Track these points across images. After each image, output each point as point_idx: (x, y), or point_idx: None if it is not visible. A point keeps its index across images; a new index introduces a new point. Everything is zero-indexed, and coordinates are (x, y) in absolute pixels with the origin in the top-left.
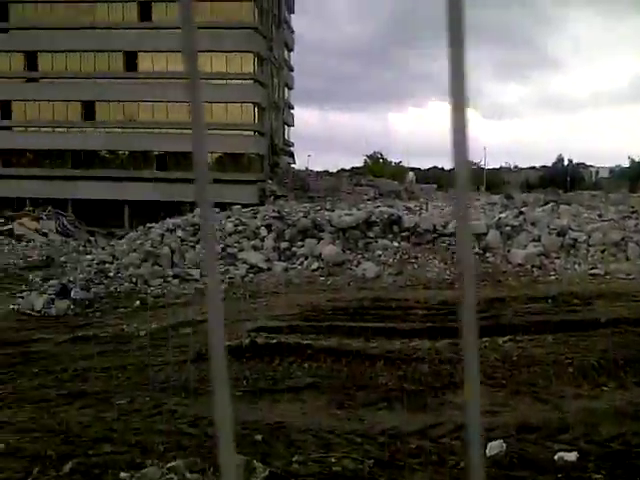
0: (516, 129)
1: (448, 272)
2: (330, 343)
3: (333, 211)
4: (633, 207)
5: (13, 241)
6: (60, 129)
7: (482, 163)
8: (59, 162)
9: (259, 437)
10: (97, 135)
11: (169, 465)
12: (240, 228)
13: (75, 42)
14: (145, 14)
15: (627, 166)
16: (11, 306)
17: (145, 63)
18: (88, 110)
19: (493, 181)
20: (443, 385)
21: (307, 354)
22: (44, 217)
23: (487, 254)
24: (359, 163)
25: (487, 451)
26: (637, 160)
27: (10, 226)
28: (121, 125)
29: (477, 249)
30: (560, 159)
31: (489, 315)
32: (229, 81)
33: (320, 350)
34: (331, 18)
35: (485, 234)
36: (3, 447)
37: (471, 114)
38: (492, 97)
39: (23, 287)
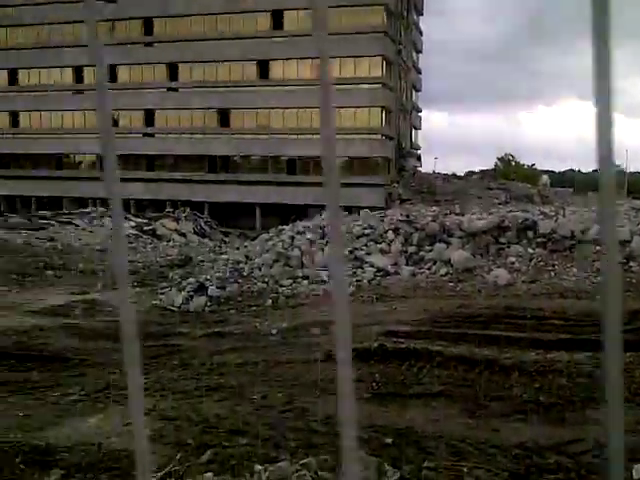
0: None
1: (588, 282)
2: (461, 351)
3: (463, 215)
4: None
5: (155, 240)
6: (198, 135)
7: (624, 166)
8: (196, 167)
9: (389, 440)
10: (231, 141)
11: (302, 462)
12: (367, 231)
13: (212, 52)
14: (277, 23)
15: None
16: (153, 301)
17: (277, 71)
18: (223, 117)
19: (636, 185)
20: (583, 400)
21: (437, 361)
22: (183, 218)
23: (631, 263)
24: (489, 166)
25: (634, 473)
26: None
27: (153, 226)
28: (254, 131)
29: (620, 257)
30: None
31: (634, 328)
32: (357, 85)
33: (451, 357)
34: (460, 18)
35: (629, 241)
36: (148, 432)
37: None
38: (635, 96)
39: (164, 284)
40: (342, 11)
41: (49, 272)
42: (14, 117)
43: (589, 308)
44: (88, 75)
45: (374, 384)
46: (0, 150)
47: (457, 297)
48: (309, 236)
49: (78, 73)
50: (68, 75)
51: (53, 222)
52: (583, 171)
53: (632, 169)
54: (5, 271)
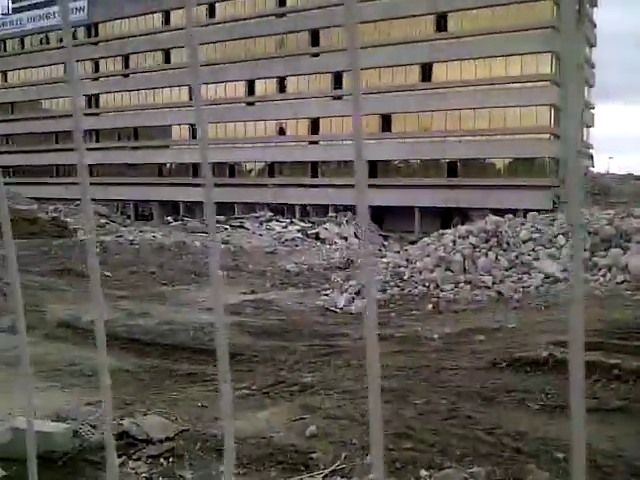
0: None
1: None
2: None
3: None
4: None
5: (318, 243)
6: None
7: None
8: None
9: (560, 455)
10: (393, 145)
11: (470, 470)
12: (535, 235)
13: (374, 58)
14: (441, 25)
15: None
16: (317, 302)
17: (439, 73)
18: (385, 122)
19: None
20: None
21: (614, 374)
22: (344, 222)
23: None
24: None
25: None
26: None
27: (316, 230)
28: (415, 135)
29: None
30: None
31: None
32: (525, 84)
33: (630, 372)
34: (636, 7)
35: None
36: (315, 430)
37: None
38: None
39: (327, 285)
40: (510, 8)
41: (223, 272)
42: (194, 129)
43: None
44: (259, 88)
45: (544, 395)
46: (182, 160)
47: (636, 307)
48: (472, 240)
49: (250, 87)
50: (240, 89)
51: (226, 226)
52: None
53: None
54: (185, 271)
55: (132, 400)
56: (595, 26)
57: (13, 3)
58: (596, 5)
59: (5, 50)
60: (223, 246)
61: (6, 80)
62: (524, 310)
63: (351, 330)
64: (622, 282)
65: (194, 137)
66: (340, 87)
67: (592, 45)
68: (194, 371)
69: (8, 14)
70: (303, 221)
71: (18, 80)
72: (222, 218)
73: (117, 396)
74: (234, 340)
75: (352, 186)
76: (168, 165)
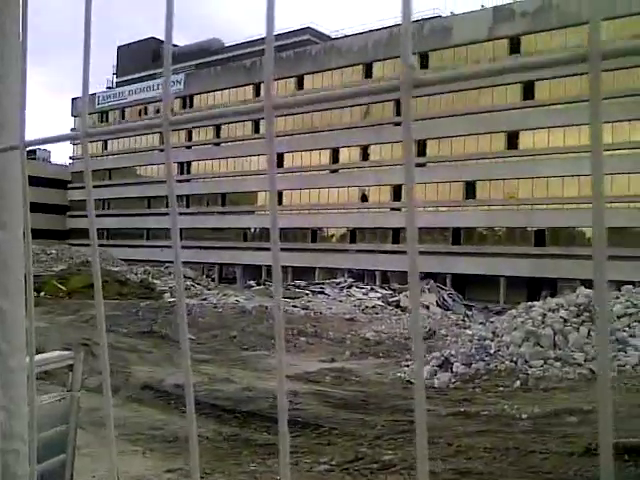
0: None
1: None
2: None
3: None
4: None
5: (399, 312)
6: (443, 208)
7: None
8: (440, 238)
9: None
10: (477, 212)
11: None
12: (631, 311)
13: (459, 127)
14: (528, 93)
15: None
16: (398, 373)
17: (526, 141)
18: (469, 189)
19: None
20: None
21: None
22: (426, 290)
23: None
24: None
25: None
26: None
27: (397, 297)
28: (500, 203)
29: None
30: None
31: None
32: (616, 151)
33: None
34: None
35: None
36: None
37: None
38: None
39: (407, 356)
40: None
41: (302, 339)
42: (279, 196)
43: None
44: (343, 156)
45: None
46: (266, 225)
47: None
48: (562, 314)
49: (334, 154)
50: (325, 156)
51: (307, 291)
52: None
53: None
54: (266, 336)
55: (211, 469)
56: None
57: (117, 78)
58: None
59: (107, 120)
60: (303, 312)
61: (106, 148)
62: (620, 391)
63: (434, 406)
64: None
65: (279, 204)
66: (424, 154)
67: None
68: (273, 442)
69: (112, 88)
70: (384, 288)
71: (117, 148)
72: (303, 283)
73: None
74: (314, 410)
75: (433, 253)
76: (252, 230)
